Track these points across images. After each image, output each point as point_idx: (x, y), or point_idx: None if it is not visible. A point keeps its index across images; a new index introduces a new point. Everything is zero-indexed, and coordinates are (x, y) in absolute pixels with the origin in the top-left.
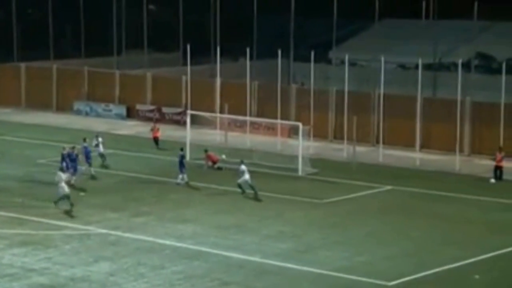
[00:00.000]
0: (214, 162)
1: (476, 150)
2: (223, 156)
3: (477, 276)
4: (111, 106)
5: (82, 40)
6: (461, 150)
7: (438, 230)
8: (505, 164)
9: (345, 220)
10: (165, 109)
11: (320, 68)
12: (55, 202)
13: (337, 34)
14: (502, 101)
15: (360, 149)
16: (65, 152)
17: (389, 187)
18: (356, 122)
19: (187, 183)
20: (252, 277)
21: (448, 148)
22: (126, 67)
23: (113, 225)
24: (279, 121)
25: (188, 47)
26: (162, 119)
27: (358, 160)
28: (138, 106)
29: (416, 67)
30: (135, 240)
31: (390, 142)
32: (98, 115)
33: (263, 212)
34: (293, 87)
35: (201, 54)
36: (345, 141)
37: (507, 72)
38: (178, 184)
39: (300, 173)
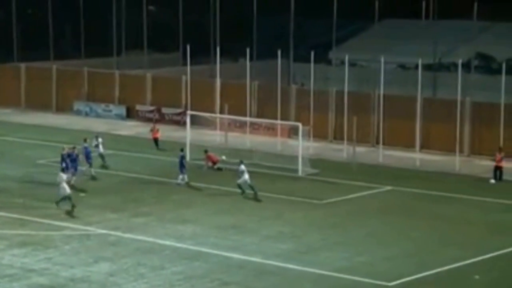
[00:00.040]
0: (214, 163)
1: (476, 150)
2: (223, 157)
3: (477, 277)
4: (111, 106)
5: (82, 41)
6: (461, 151)
7: (438, 230)
8: (505, 164)
9: (345, 221)
10: (165, 110)
11: (320, 68)
12: (57, 203)
13: (337, 35)
14: (502, 101)
15: (360, 149)
16: (64, 152)
17: (389, 188)
18: (356, 122)
19: (187, 183)
20: (252, 277)
21: (448, 148)
22: (126, 67)
23: (113, 226)
24: (279, 121)
25: (188, 47)
26: (162, 119)
27: (358, 160)
28: (138, 107)
29: (416, 67)
30: (135, 241)
31: (390, 142)
32: (98, 116)
33: (263, 212)
34: (293, 87)
35: (201, 54)
36: (345, 141)
37: (507, 73)
38: (178, 184)
39: (300, 173)
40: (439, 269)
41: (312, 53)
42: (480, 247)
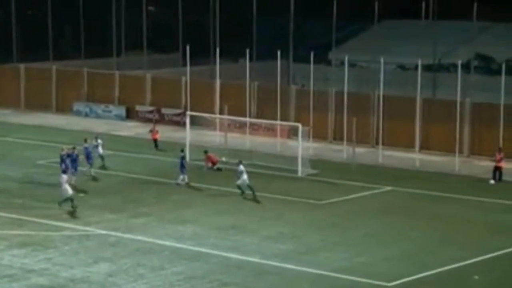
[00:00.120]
0: (214, 163)
1: (476, 151)
2: (223, 159)
3: (477, 277)
4: (111, 107)
5: (82, 41)
6: (460, 151)
7: (438, 231)
8: (505, 165)
9: (345, 221)
10: (164, 110)
11: (320, 69)
12: (59, 204)
13: (336, 35)
14: (502, 102)
15: (360, 150)
16: (63, 153)
17: (388, 188)
18: (355, 123)
19: (187, 184)
20: (252, 278)
21: (448, 149)
22: (125, 68)
23: (113, 226)
24: (278, 122)
25: (188, 48)
26: (162, 120)
27: (358, 161)
28: (138, 107)
29: (416, 68)
30: (134, 241)
31: (389, 143)
32: (97, 116)
33: (262, 213)
34: (293, 88)
35: (201, 55)
36: (345, 142)
37: (507, 73)
38: (178, 184)
39: (299, 174)
40: (439, 270)
41: (312, 54)
42: (480, 247)
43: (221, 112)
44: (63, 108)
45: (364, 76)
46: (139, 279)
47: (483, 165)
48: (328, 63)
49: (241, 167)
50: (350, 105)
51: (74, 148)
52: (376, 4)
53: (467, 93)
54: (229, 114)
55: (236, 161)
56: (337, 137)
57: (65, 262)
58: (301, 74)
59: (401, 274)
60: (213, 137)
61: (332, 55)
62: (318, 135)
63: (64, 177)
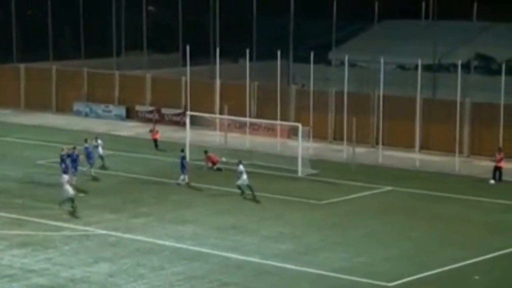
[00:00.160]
0: (214, 163)
1: (476, 151)
2: (223, 159)
3: (477, 277)
4: (111, 107)
5: (82, 41)
6: (460, 151)
7: (438, 231)
8: (504, 165)
9: (345, 221)
10: (164, 110)
11: (320, 69)
12: (60, 204)
13: (336, 35)
14: (502, 102)
15: (360, 150)
16: (63, 153)
17: (388, 188)
18: (355, 123)
19: (187, 184)
20: (252, 278)
21: (448, 149)
22: (125, 68)
23: (113, 226)
24: (278, 122)
25: (188, 48)
26: (162, 120)
27: (358, 161)
28: (138, 107)
29: (416, 68)
30: (134, 241)
31: (389, 143)
32: (97, 116)
33: (262, 213)
34: (293, 88)
35: (201, 55)
36: (345, 142)
37: (507, 73)
38: (178, 184)
39: (299, 174)
40: (439, 270)
41: (312, 54)
42: (480, 247)
43: (221, 112)
44: (63, 108)
45: (364, 76)
46: (139, 279)
47: (483, 165)
48: (328, 63)
49: (241, 167)
50: (350, 105)
51: (74, 148)
52: (376, 4)
53: (467, 93)
54: (229, 114)
55: (236, 161)
56: (337, 137)
57: (65, 262)
58: (301, 74)
59: (401, 274)
60: (213, 137)
61: (332, 55)
62: (318, 135)
63: (65, 177)
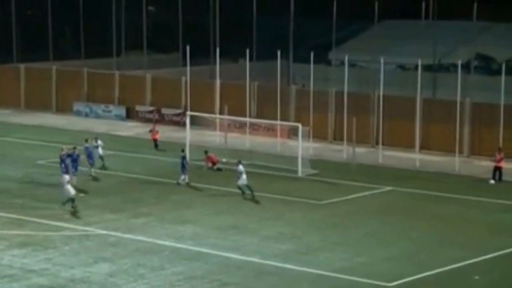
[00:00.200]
0: (214, 163)
1: (476, 151)
2: (224, 159)
3: (477, 277)
4: (111, 107)
5: (82, 41)
6: (460, 151)
7: (438, 231)
8: (504, 165)
9: (345, 221)
10: (164, 110)
11: (320, 69)
12: (62, 203)
13: (336, 35)
14: (502, 102)
15: (360, 150)
16: (63, 153)
17: (389, 188)
18: (355, 123)
19: (187, 184)
20: (252, 278)
21: (448, 149)
22: (125, 68)
23: (113, 226)
24: (278, 122)
25: (188, 48)
26: (162, 120)
27: (358, 161)
28: (138, 107)
29: (416, 68)
30: (134, 241)
31: (389, 143)
32: (97, 116)
33: (262, 213)
34: (293, 88)
35: (201, 55)
36: (345, 142)
37: (507, 73)
38: (178, 184)
39: (299, 174)
40: (439, 270)
41: (312, 54)
42: (480, 247)
43: (221, 112)
44: (63, 108)
45: (364, 76)
46: (139, 279)
47: (483, 165)
48: (328, 63)
49: (241, 167)
50: (350, 105)
51: (74, 148)
52: (376, 4)
53: (467, 93)
54: (229, 114)
55: (236, 161)
56: (337, 137)
57: (65, 262)
58: (301, 74)
59: (401, 274)
60: (213, 137)
61: (332, 55)
62: (318, 135)
63: (66, 177)
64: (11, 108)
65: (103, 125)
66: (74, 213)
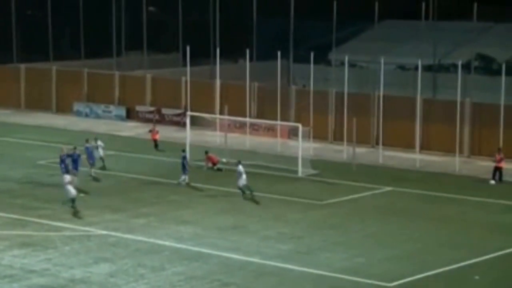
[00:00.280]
0: (214, 164)
1: (476, 151)
2: (224, 160)
3: (477, 277)
4: (111, 107)
5: (82, 41)
6: (461, 152)
7: (438, 231)
8: (505, 165)
9: (345, 221)
10: (164, 110)
11: (320, 69)
12: (62, 203)
13: (336, 36)
14: (502, 102)
15: (360, 150)
16: (63, 153)
17: (389, 188)
18: (356, 123)
19: (187, 184)
20: (252, 278)
21: (448, 149)
22: (125, 68)
23: (113, 226)
24: (279, 122)
25: (188, 48)
26: (162, 120)
27: (358, 161)
28: (138, 107)
29: (416, 68)
30: (135, 241)
31: (390, 143)
32: (98, 117)
33: (263, 213)
34: (293, 88)
35: (201, 55)
36: (345, 142)
37: (507, 74)
38: (179, 184)
39: (300, 174)
40: (439, 270)
41: (312, 54)
42: (480, 247)
43: (221, 113)
44: (63, 108)
45: (364, 76)
46: (139, 280)
47: (483, 166)
48: (328, 63)
49: (240, 168)
50: (350, 106)
51: (75, 148)
52: (376, 4)
53: (468, 93)
54: (229, 114)
55: (236, 162)
56: (337, 138)
57: (65, 262)
58: (301, 74)
59: (402, 274)
60: (213, 138)
61: (332, 56)
62: (318, 135)
63: (67, 177)
64: (11, 108)
65: (103, 125)
66: (75, 214)
